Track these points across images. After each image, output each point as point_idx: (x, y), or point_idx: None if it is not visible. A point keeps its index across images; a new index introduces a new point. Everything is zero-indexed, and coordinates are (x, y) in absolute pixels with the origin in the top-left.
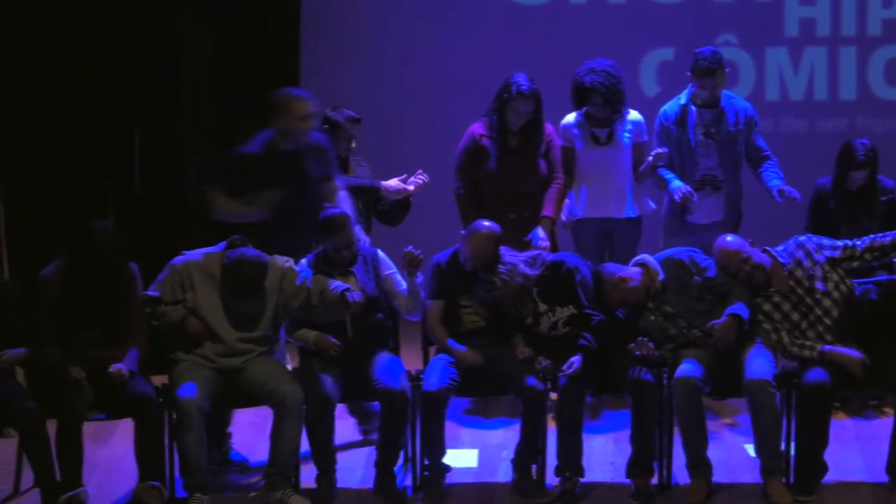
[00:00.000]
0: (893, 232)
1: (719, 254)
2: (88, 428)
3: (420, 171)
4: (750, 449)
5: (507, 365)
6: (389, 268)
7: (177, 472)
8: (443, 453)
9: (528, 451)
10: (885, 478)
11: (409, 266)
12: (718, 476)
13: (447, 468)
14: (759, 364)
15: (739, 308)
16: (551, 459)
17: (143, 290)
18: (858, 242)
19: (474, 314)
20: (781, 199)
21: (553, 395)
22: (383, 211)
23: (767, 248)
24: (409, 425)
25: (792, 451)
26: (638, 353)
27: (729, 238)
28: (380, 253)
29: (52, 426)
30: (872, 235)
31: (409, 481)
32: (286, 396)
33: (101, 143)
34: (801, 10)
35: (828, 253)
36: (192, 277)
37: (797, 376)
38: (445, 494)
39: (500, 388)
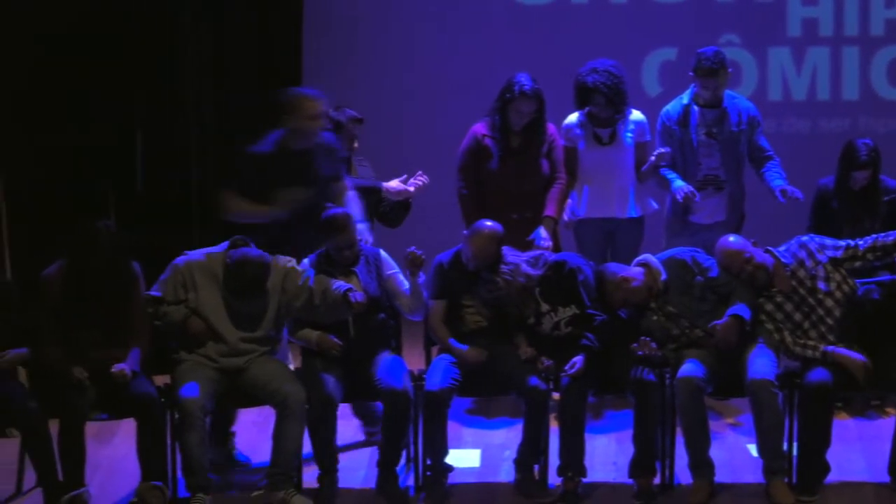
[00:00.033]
0: (895, 231)
1: (722, 254)
2: (91, 428)
3: (420, 172)
4: (752, 449)
5: (509, 365)
6: (392, 268)
7: (179, 472)
8: (445, 453)
9: (531, 451)
10: (887, 478)
11: (412, 266)
12: (721, 476)
13: (449, 468)
14: (761, 364)
15: (741, 309)
16: (553, 459)
17: (145, 289)
18: (861, 242)
19: (477, 314)
20: (784, 199)
21: (555, 395)
22: (384, 212)
23: (770, 248)
24: (411, 425)
25: (794, 451)
26: (640, 353)
27: (731, 238)
28: (382, 253)
29: (54, 426)
30: (874, 235)
31: (411, 481)
32: (288, 396)
33: (103, 142)
34: (804, 10)
35: (830, 253)
36: (195, 277)
37: (799, 376)
38: (448, 494)
39: (502, 388)
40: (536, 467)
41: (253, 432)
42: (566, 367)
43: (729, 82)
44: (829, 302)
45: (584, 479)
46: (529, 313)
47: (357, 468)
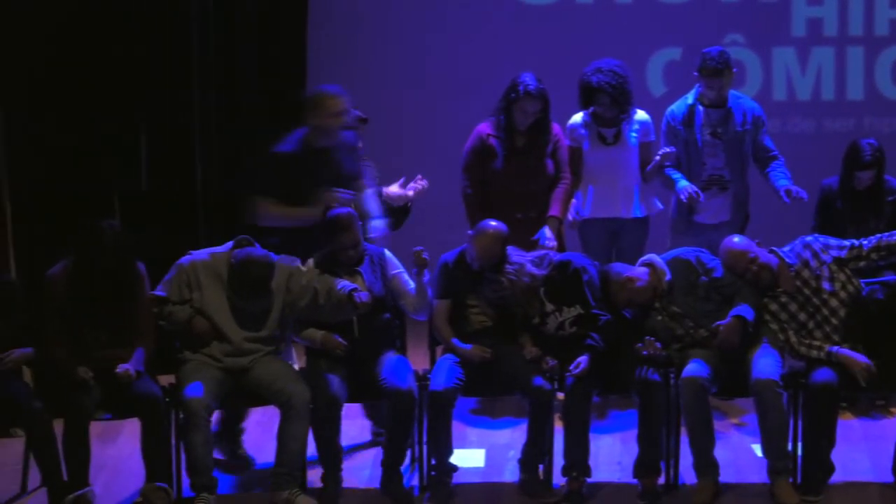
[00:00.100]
0: None
1: (726, 254)
2: (95, 427)
3: (419, 176)
4: (757, 449)
5: (513, 365)
6: (396, 267)
7: (183, 472)
8: (450, 453)
9: (535, 451)
10: (891, 478)
11: (417, 265)
12: (725, 476)
13: (454, 468)
14: (765, 364)
15: (744, 310)
16: (558, 459)
17: (150, 289)
18: (865, 242)
19: (481, 314)
20: (788, 199)
21: (560, 395)
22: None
23: (774, 248)
24: (415, 425)
25: (799, 452)
26: (645, 353)
27: (736, 239)
28: (386, 252)
29: (59, 426)
30: (879, 235)
31: (415, 481)
32: (293, 396)
33: (107, 142)
34: (809, 10)
35: (834, 253)
36: (199, 277)
37: (804, 376)
38: (452, 494)
39: (506, 388)
40: (541, 467)
41: (257, 432)
42: (571, 367)
43: (733, 82)
44: (834, 302)
45: (589, 479)
46: (534, 313)
47: (361, 468)
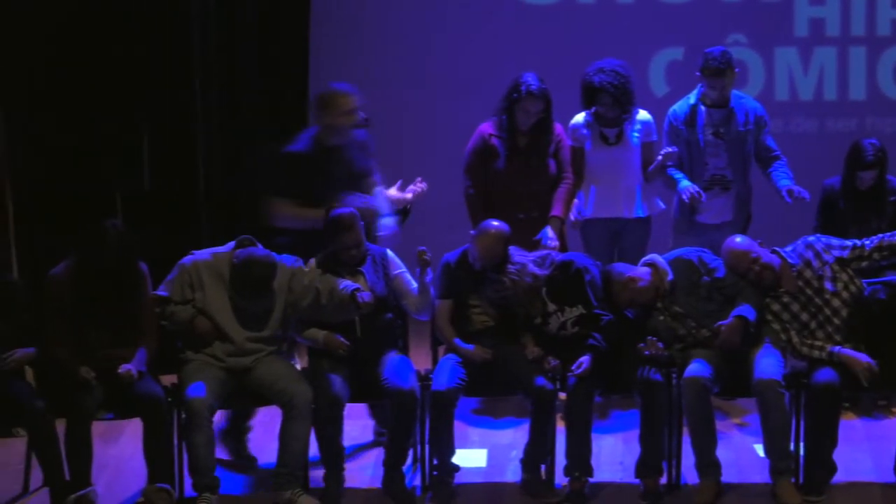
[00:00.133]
0: None
1: (728, 254)
2: (97, 427)
3: (419, 178)
4: (759, 449)
5: (515, 365)
6: (399, 267)
7: (186, 472)
8: (452, 453)
9: (537, 451)
10: (894, 478)
11: (420, 265)
12: (727, 476)
13: (456, 468)
14: (768, 364)
15: (746, 310)
16: (560, 459)
17: (152, 289)
18: (867, 242)
19: (483, 314)
20: (790, 199)
21: (562, 395)
22: None
23: (776, 248)
24: (417, 425)
25: (801, 452)
26: (647, 353)
27: (738, 239)
28: (389, 252)
29: (61, 426)
30: (881, 235)
31: (417, 481)
32: (295, 396)
33: (110, 142)
34: (811, 10)
35: (837, 253)
36: (201, 277)
37: (806, 376)
38: (454, 494)
39: (508, 388)
40: (543, 467)
41: (260, 432)
42: (573, 367)
43: (736, 82)
44: (836, 302)
45: (591, 479)
46: (536, 313)
47: (363, 468)
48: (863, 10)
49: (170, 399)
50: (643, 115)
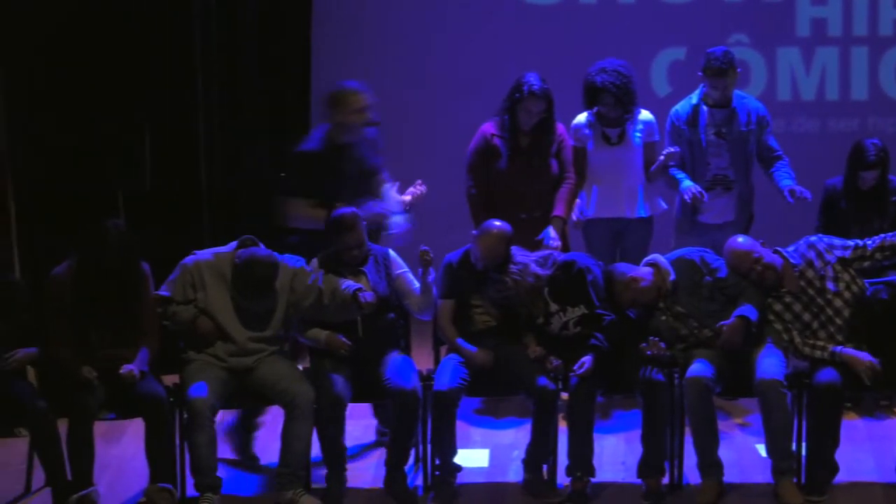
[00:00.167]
0: None
1: (730, 255)
2: (99, 427)
3: (419, 181)
4: (761, 449)
5: (518, 365)
6: (401, 267)
7: (187, 472)
8: (453, 453)
9: (539, 451)
10: (895, 478)
11: (423, 264)
12: (729, 476)
13: (458, 468)
14: (770, 364)
15: (747, 310)
16: (562, 459)
17: (154, 289)
18: (869, 242)
19: (485, 314)
20: (792, 198)
21: (564, 395)
22: None
23: (778, 248)
24: (419, 425)
25: (803, 452)
26: (649, 353)
27: (740, 239)
28: (391, 252)
29: (63, 425)
30: (883, 235)
31: (419, 481)
32: (297, 396)
33: (111, 142)
34: (813, 10)
35: (839, 253)
36: (203, 277)
37: (808, 376)
38: (456, 494)
39: (511, 388)
40: (545, 467)
41: (262, 432)
42: (575, 367)
43: (738, 82)
44: (838, 302)
45: (593, 479)
46: (538, 313)
47: (365, 468)
48: (865, 10)
49: (172, 399)
50: (645, 115)
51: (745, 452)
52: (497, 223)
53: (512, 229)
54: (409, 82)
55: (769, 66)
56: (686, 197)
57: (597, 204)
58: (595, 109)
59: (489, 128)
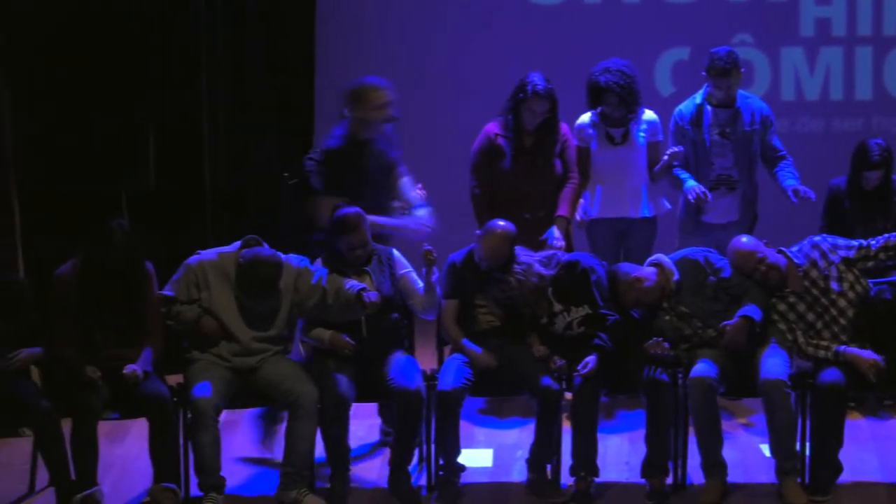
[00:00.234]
0: None
1: (734, 255)
2: (103, 427)
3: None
4: (765, 449)
5: (521, 365)
6: (405, 267)
7: (191, 471)
8: (457, 453)
9: (543, 451)
10: None
11: (427, 264)
12: (733, 476)
13: (462, 468)
14: (774, 364)
15: (751, 310)
16: (566, 459)
17: (158, 289)
18: (873, 242)
19: (489, 314)
20: (796, 198)
21: (568, 395)
22: None
23: (782, 248)
24: (423, 425)
25: (807, 452)
26: (653, 353)
27: (744, 239)
28: (395, 252)
29: (66, 425)
30: (887, 235)
31: (423, 481)
32: (301, 396)
33: (116, 141)
34: (817, 10)
35: (843, 253)
36: (207, 277)
37: (812, 376)
38: (460, 494)
39: (514, 388)
40: (549, 467)
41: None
42: (579, 367)
43: (742, 82)
44: (842, 302)
45: (597, 479)
46: (542, 313)
47: (369, 468)
48: (869, 9)
49: (175, 399)
50: (649, 114)
51: (749, 452)
52: (501, 223)
53: (516, 229)
54: (412, 81)
55: (773, 66)
56: (690, 197)
57: (600, 204)
58: (599, 109)
59: (493, 128)
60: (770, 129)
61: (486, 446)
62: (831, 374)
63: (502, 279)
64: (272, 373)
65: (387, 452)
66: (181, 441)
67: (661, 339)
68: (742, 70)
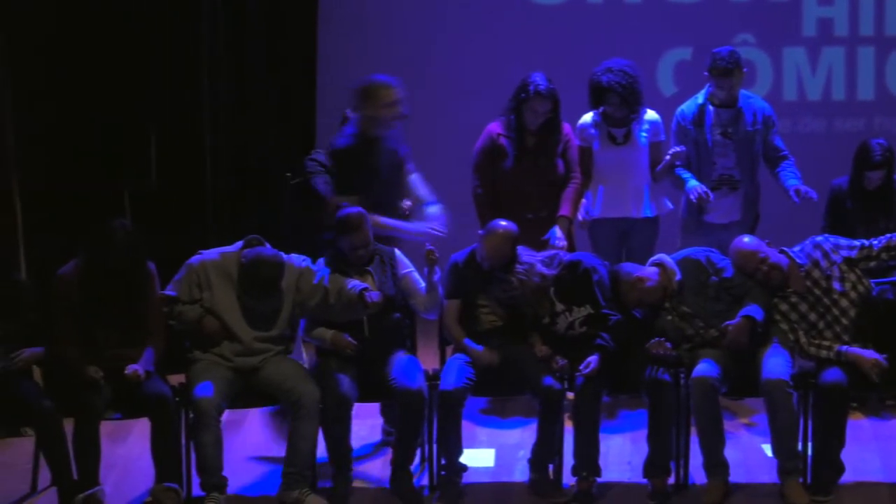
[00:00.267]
0: None
1: (736, 254)
2: (105, 427)
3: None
4: (767, 449)
5: (523, 365)
6: (407, 266)
7: (193, 471)
8: (459, 453)
9: (545, 451)
10: None
11: (429, 264)
12: (735, 476)
13: (464, 467)
14: (776, 364)
15: (753, 310)
16: (568, 459)
17: (160, 289)
18: (875, 242)
19: (491, 314)
20: (798, 198)
21: (570, 395)
22: None
23: (784, 248)
24: (425, 425)
25: (809, 452)
26: (655, 352)
27: (746, 239)
28: (397, 252)
29: (69, 425)
30: (889, 235)
31: (425, 480)
32: (303, 396)
33: (118, 141)
34: (819, 10)
35: (845, 253)
36: (209, 277)
37: (814, 376)
38: (462, 494)
39: (516, 388)
40: (551, 467)
41: (267, 432)
42: (581, 367)
43: (744, 82)
44: (844, 302)
45: (599, 479)
46: (544, 313)
47: (371, 467)
48: (871, 9)
49: (177, 399)
50: (651, 114)
51: (751, 452)
52: (503, 223)
53: (518, 229)
54: (414, 81)
55: (775, 66)
56: (692, 197)
57: (602, 204)
58: (601, 109)
59: (495, 127)
60: (772, 129)
61: (488, 446)
62: (833, 374)
63: (504, 279)
64: (274, 373)
65: (389, 452)
66: (183, 441)
67: (663, 339)
68: (744, 70)
